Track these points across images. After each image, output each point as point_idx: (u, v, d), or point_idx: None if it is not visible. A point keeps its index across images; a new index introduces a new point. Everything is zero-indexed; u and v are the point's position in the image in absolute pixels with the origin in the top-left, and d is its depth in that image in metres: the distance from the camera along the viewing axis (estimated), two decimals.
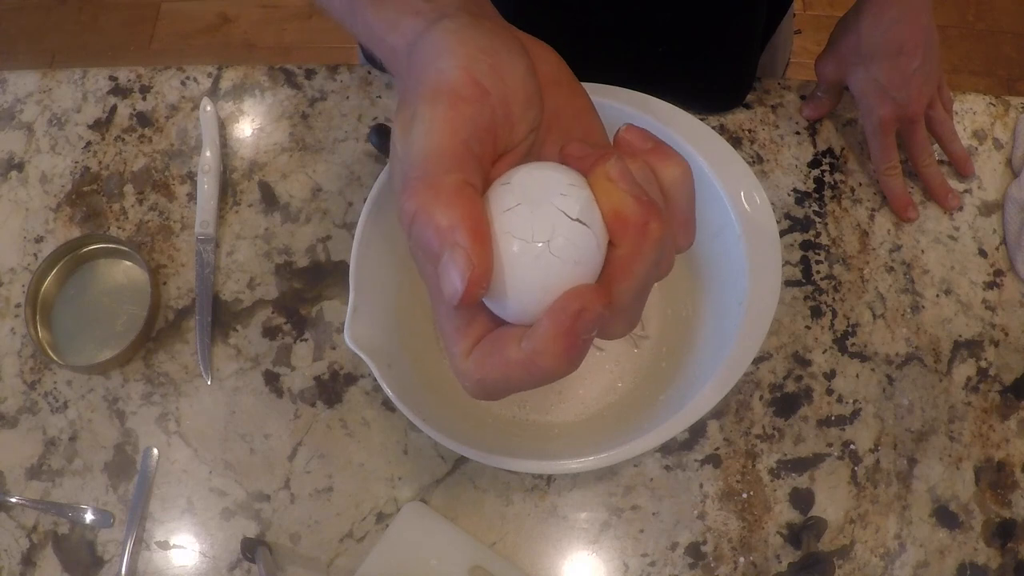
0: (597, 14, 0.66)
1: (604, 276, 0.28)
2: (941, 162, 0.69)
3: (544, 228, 0.27)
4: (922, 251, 0.67)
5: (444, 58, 0.30)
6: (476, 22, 0.32)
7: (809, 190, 0.69)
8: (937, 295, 0.66)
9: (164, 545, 0.59)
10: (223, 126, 0.71)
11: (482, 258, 0.27)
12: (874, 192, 0.69)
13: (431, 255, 0.28)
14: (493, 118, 0.29)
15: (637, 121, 0.55)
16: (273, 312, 0.65)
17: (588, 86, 0.55)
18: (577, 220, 0.27)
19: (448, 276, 0.27)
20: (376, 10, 0.36)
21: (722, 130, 0.70)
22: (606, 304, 0.28)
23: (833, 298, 0.65)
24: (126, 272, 0.67)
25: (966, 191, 0.69)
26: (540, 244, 0.27)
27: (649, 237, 0.28)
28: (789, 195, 0.68)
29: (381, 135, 0.68)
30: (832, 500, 0.60)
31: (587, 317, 0.27)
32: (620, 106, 0.55)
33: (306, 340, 0.64)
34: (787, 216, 0.68)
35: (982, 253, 0.67)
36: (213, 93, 0.73)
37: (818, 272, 0.66)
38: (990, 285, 0.66)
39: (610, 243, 0.28)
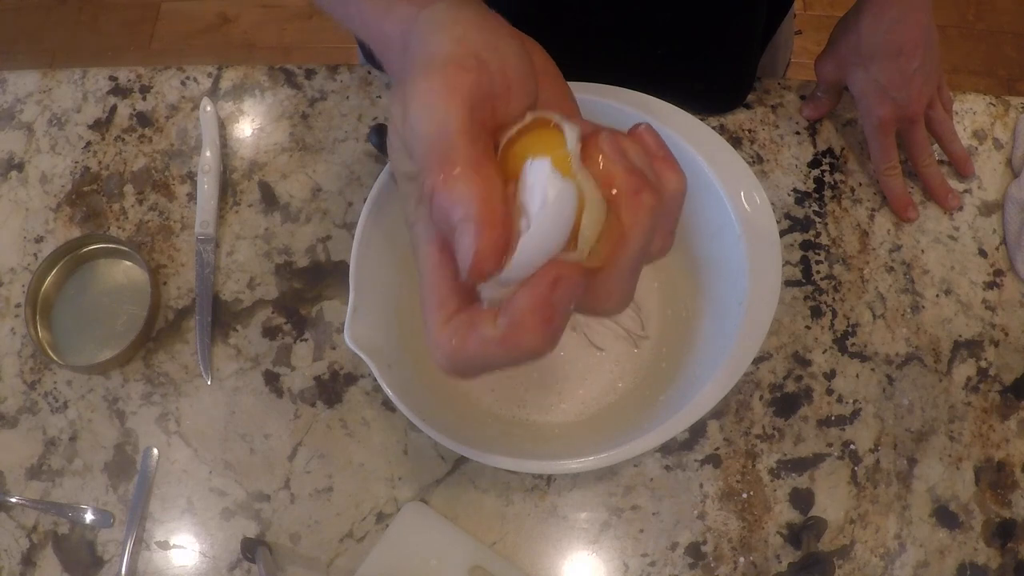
0: (597, 14, 0.66)
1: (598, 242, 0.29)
2: (941, 162, 0.69)
3: (533, 198, 0.28)
4: (922, 251, 0.67)
5: (438, 34, 0.30)
6: (467, 3, 0.32)
7: (809, 190, 0.69)
8: (937, 295, 0.66)
9: (164, 545, 0.59)
10: (223, 126, 0.71)
11: (491, 232, 0.27)
12: (874, 192, 0.69)
13: (449, 228, 0.28)
14: (492, 87, 0.30)
15: (636, 121, 0.55)
16: (273, 312, 0.65)
17: (589, 86, 0.56)
18: (563, 183, 0.27)
19: (460, 249, 0.27)
20: None
21: (722, 130, 0.70)
22: (582, 273, 0.28)
23: (833, 298, 0.65)
24: (126, 272, 0.67)
25: (966, 191, 0.69)
26: (532, 214, 0.28)
27: (643, 206, 0.28)
28: (789, 195, 0.68)
29: (381, 135, 0.68)
30: (832, 500, 0.60)
31: (564, 286, 0.27)
32: (620, 106, 0.55)
33: (306, 340, 0.64)
34: (787, 216, 0.68)
35: (982, 253, 0.67)
36: (213, 93, 0.73)
37: (818, 272, 0.66)
38: (990, 285, 0.66)
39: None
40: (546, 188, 0.27)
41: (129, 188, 0.70)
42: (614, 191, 0.29)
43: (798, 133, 0.71)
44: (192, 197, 0.69)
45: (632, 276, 0.30)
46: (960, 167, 0.69)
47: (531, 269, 0.27)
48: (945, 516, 0.59)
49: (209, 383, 0.63)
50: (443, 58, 0.29)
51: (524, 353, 0.28)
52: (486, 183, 0.28)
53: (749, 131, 0.70)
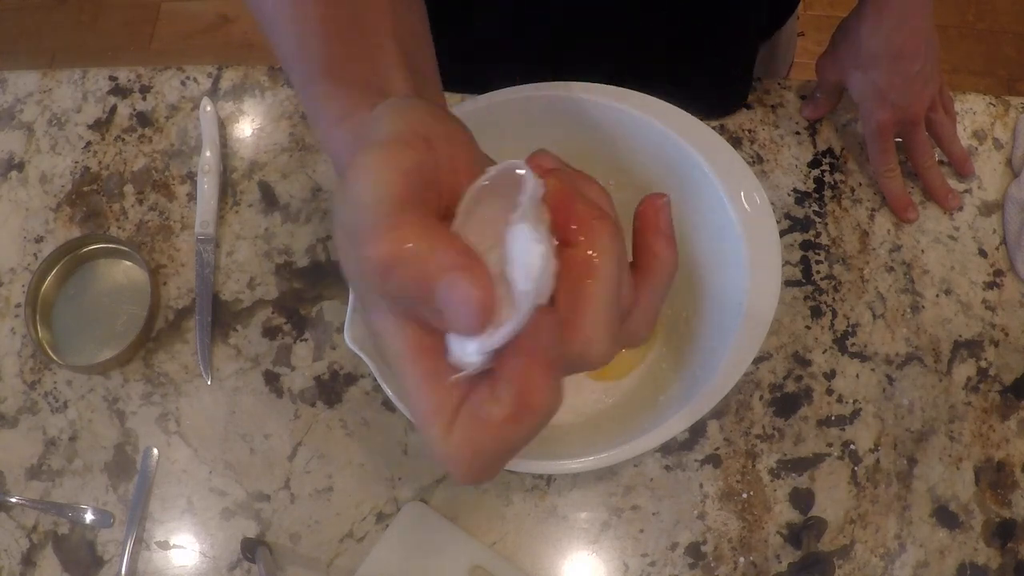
0: (587, 10, 0.66)
1: (568, 280, 0.26)
2: (941, 162, 0.69)
3: (513, 265, 0.25)
4: (922, 251, 0.67)
5: (388, 117, 0.28)
6: (418, 99, 0.31)
7: (809, 190, 0.69)
8: (937, 295, 0.66)
9: (164, 545, 0.59)
10: (223, 126, 0.71)
11: (482, 272, 0.24)
12: (874, 192, 0.69)
13: (421, 297, 0.25)
14: (437, 168, 0.27)
15: (636, 121, 0.55)
16: (273, 312, 0.65)
17: (591, 86, 0.56)
18: (533, 239, 0.25)
19: (450, 301, 0.24)
20: (327, 100, 0.34)
21: (722, 130, 0.70)
22: (551, 312, 0.25)
23: (833, 298, 0.65)
24: (126, 272, 0.67)
25: (966, 191, 0.69)
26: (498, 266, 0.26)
27: (604, 232, 0.27)
28: (789, 195, 0.68)
29: None
30: (832, 500, 0.60)
31: (546, 329, 0.25)
32: (622, 107, 0.55)
33: (306, 340, 0.64)
34: (787, 216, 0.68)
35: (982, 253, 0.67)
36: (213, 93, 0.73)
37: (818, 272, 0.66)
38: (990, 285, 0.66)
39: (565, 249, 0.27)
40: (530, 254, 0.25)
41: (129, 188, 0.70)
42: (573, 227, 0.26)
43: (798, 133, 0.71)
44: (192, 197, 0.69)
45: (608, 312, 0.27)
46: (960, 167, 0.69)
47: (514, 335, 0.25)
48: (945, 516, 0.59)
49: (209, 383, 0.63)
50: (387, 134, 0.27)
51: (541, 415, 0.25)
52: (449, 236, 0.25)
53: (749, 131, 0.70)
